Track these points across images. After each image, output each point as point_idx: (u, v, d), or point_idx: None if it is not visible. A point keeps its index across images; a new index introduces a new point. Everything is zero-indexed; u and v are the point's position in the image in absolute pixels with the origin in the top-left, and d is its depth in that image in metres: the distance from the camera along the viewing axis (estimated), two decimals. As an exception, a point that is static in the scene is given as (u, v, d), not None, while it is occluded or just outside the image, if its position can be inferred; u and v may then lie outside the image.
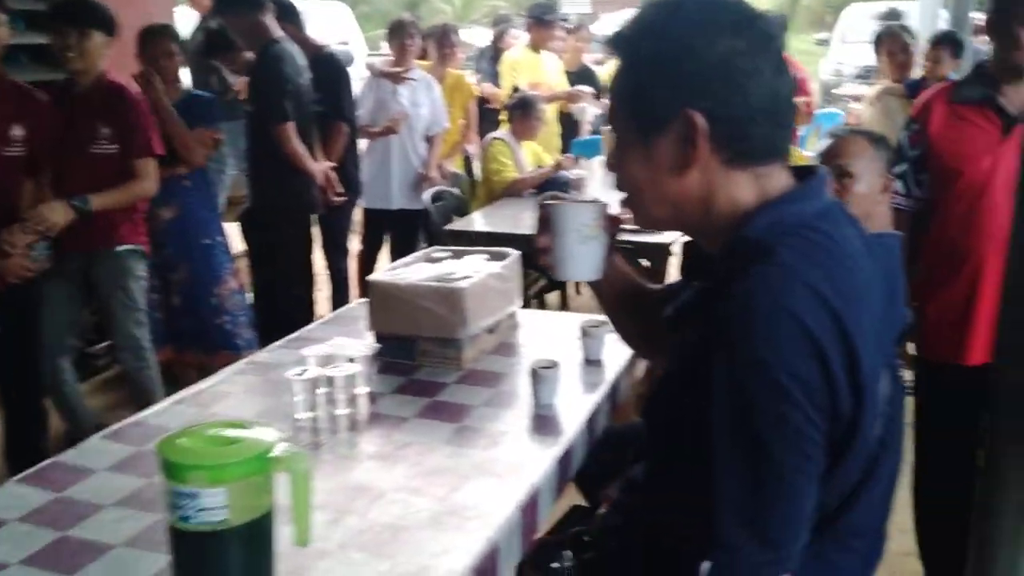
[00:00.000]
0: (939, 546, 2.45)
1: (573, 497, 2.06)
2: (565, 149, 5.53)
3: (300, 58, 3.80)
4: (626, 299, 1.39)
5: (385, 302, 2.17)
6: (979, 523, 1.91)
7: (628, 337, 1.50)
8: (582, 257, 1.28)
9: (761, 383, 0.88)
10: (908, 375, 2.61)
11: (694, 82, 0.97)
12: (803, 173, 1.05)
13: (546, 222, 1.28)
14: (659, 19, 1.01)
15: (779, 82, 1.00)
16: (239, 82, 4.65)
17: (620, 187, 1.10)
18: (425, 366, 2.13)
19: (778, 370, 0.87)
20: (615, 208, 1.32)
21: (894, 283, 1.97)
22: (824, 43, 12.95)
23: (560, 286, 4.73)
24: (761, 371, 0.88)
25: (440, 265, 2.30)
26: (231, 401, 1.98)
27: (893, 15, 5.54)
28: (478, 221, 4.17)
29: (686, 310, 1.08)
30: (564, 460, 1.75)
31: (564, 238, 1.27)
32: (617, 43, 1.05)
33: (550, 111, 5.31)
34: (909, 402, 2.56)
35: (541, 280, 4.31)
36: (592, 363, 2.16)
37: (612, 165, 1.10)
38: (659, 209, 1.05)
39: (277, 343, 2.33)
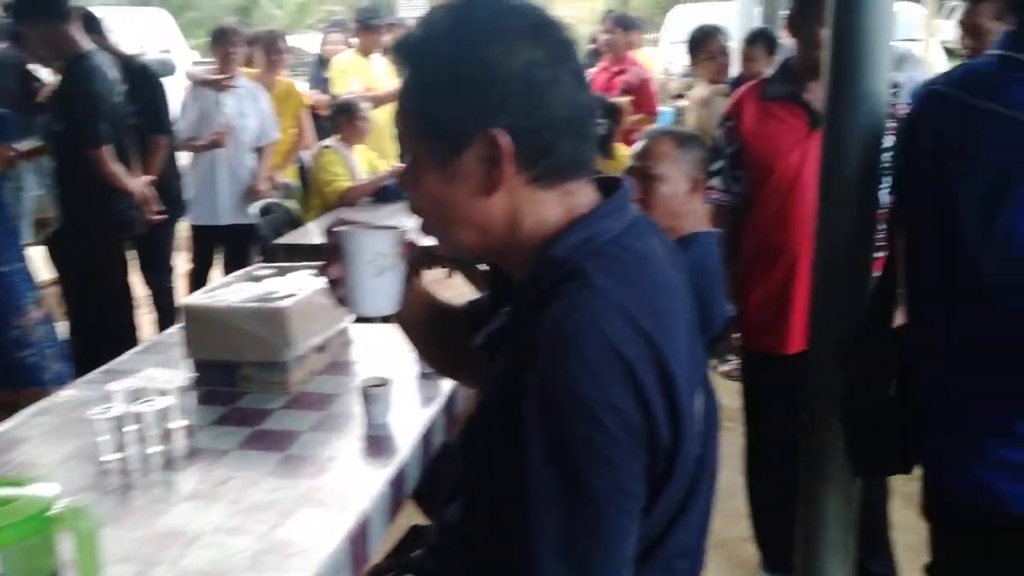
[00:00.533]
0: (773, 530, 2.53)
1: (413, 516, 2.00)
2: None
3: (111, 70, 3.56)
4: (431, 326, 1.29)
5: (202, 327, 2.03)
6: (803, 508, 1.98)
7: (438, 365, 1.40)
8: (378, 290, 1.15)
9: (576, 415, 0.82)
10: (735, 363, 2.70)
11: (493, 97, 0.89)
12: (608, 185, 1.01)
13: (336, 251, 1.15)
14: (449, 26, 0.93)
15: (580, 92, 0.94)
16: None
17: (417, 211, 1.01)
18: (249, 392, 2.01)
19: (593, 401, 0.82)
20: (414, 233, 1.20)
21: (710, 283, 2.03)
22: (653, 43, 13.38)
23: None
24: (576, 403, 0.82)
25: (262, 284, 2.18)
26: (29, 447, 1.80)
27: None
28: (312, 233, 4.03)
29: (497, 337, 1.01)
30: (397, 481, 1.69)
31: (357, 269, 1.13)
32: (404, 51, 0.96)
33: (384, 115, 5.21)
34: (734, 388, 2.65)
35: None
36: (428, 376, 2.10)
37: (408, 186, 1.00)
38: (463, 234, 0.97)
39: (84, 378, 2.15)
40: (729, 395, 2.64)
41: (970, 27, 2.64)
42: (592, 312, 0.85)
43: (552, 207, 0.94)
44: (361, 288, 1.14)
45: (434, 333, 1.28)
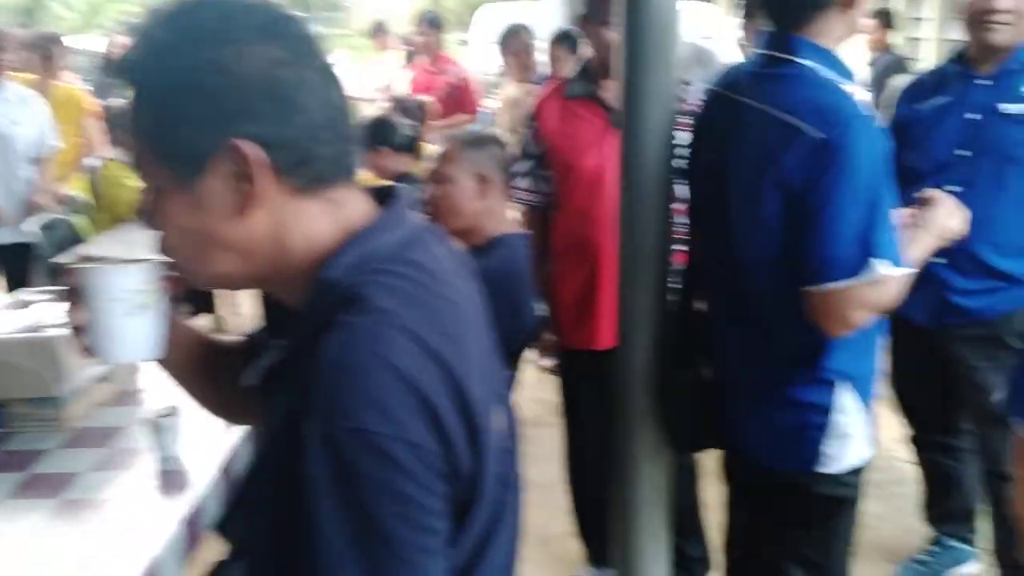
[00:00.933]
0: (595, 524, 2.55)
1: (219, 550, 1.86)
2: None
3: None
4: (201, 367, 1.13)
5: (-39, 363, 1.81)
6: (617, 501, 2.00)
7: (215, 408, 1.22)
8: (132, 333, 0.97)
9: (365, 454, 0.74)
10: (551, 361, 2.70)
11: (232, 103, 0.80)
12: (383, 195, 0.93)
13: (79, 292, 0.98)
14: (172, 33, 0.82)
15: (332, 91, 0.86)
16: None
17: (167, 249, 0.88)
18: (19, 432, 1.80)
19: (383, 437, 0.74)
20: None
21: (519, 284, 2.01)
22: (464, 43, 13.44)
23: (209, 308, 4.38)
24: (364, 442, 0.74)
25: (31, 311, 1.97)
26: None
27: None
28: (98, 249, 3.71)
29: (272, 374, 0.91)
30: (193, 518, 1.56)
31: (103, 311, 0.96)
32: (125, 70, 0.84)
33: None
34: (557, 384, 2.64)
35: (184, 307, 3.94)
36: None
37: (153, 221, 0.87)
38: (224, 264, 0.86)
39: None
40: (553, 391, 2.65)
41: (752, 27, 2.78)
42: (376, 340, 0.77)
43: (321, 221, 0.86)
44: (110, 332, 0.97)
45: (206, 374, 1.14)
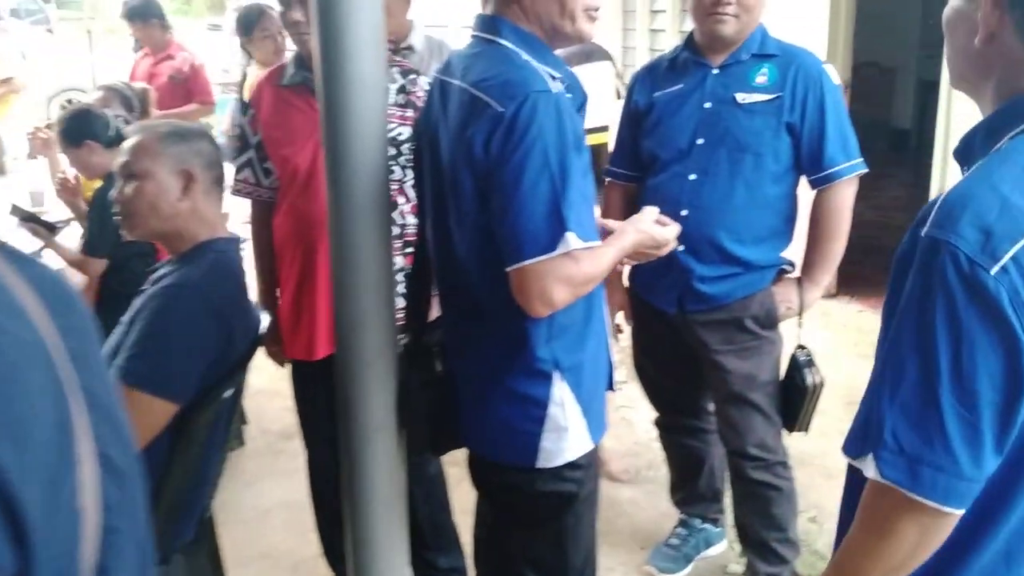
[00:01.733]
0: (341, 543, 2.37)
1: None
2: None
3: None
4: None
5: None
6: (350, 519, 1.84)
7: None
8: None
9: None
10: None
11: None
12: None
13: None
14: None
15: None
16: None
17: None
18: None
19: None
20: None
21: (232, 294, 1.76)
22: (216, 28, 12.71)
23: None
24: None
25: None
26: None
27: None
28: None
29: None
30: None
31: None
32: None
33: None
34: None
35: None
36: None
37: None
38: None
39: None
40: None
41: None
42: None
43: None
44: None
45: None
